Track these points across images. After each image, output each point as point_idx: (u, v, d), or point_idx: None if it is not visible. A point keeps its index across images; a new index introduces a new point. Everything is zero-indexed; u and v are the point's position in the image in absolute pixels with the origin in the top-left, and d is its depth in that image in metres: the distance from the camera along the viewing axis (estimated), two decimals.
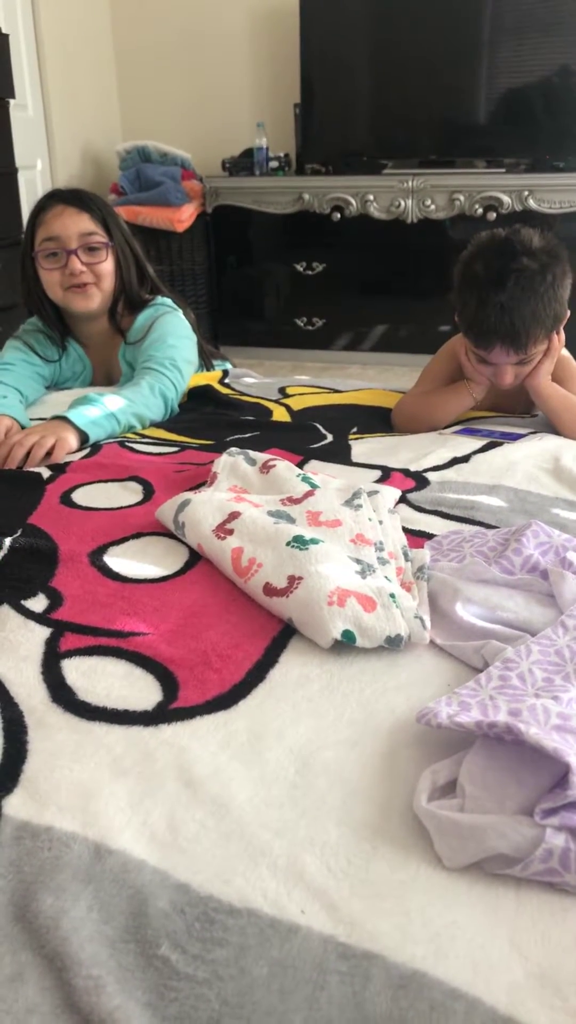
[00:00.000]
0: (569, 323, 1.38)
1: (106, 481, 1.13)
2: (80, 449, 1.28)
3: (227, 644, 0.76)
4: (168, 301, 1.64)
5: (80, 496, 1.08)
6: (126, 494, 1.09)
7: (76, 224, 1.53)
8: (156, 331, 1.57)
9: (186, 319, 1.63)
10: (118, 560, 0.91)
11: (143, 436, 1.38)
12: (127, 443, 1.32)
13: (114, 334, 1.64)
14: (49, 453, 1.22)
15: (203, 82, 3.83)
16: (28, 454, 1.21)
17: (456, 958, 0.49)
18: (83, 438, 1.28)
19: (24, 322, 1.68)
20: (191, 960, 0.49)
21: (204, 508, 0.93)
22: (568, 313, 1.35)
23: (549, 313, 1.31)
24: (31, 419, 1.40)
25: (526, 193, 3.25)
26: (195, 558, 0.92)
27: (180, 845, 0.56)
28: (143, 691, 0.71)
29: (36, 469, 1.18)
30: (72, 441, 1.26)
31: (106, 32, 3.83)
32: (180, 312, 1.63)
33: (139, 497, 1.08)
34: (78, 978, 0.48)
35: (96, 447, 1.28)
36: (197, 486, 1.08)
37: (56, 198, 1.56)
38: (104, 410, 1.34)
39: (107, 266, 1.57)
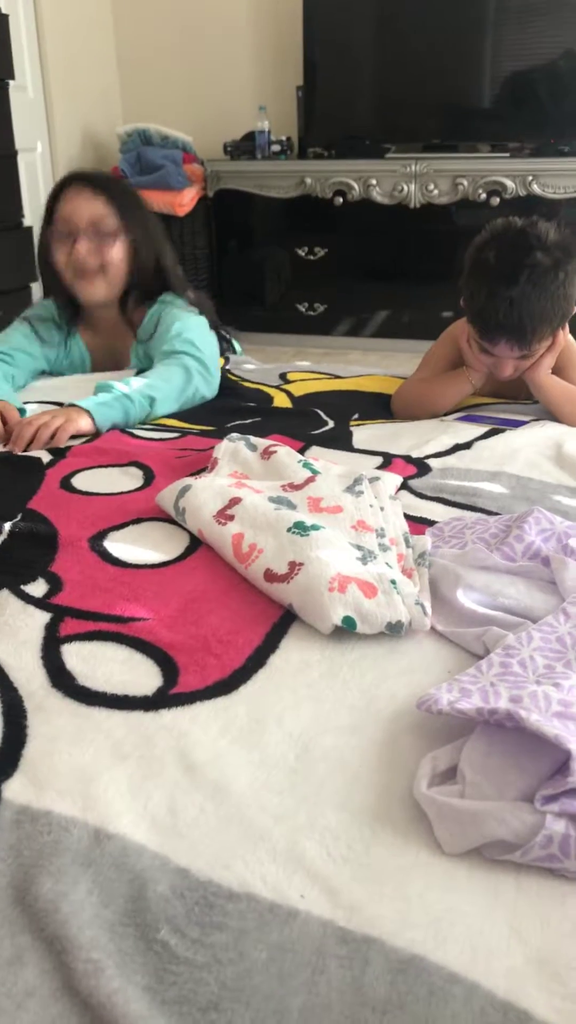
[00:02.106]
0: None
1: (106, 466, 1.13)
2: (95, 434, 1.27)
3: (227, 630, 0.76)
4: (177, 299, 1.59)
5: (80, 481, 1.08)
6: (126, 479, 1.09)
7: (89, 207, 1.50)
8: (173, 327, 1.51)
9: (202, 316, 1.58)
10: (118, 545, 0.91)
11: (143, 423, 1.37)
12: (127, 428, 1.32)
13: (124, 327, 1.60)
14: (53, 436, 1.21)
15: (204, 65, 3.80)
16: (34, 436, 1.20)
17: (455, 943, 0.49)
18: (94, 422, 1.27)
19: (36, 303, 1.66)
20: (190, 944, 0.49)
21: (205, 494, 0.93)
22: (575, 309, 1.34)
23: (558, 311, 1.29)
24: (28, 402, 1.40)
25: (530, 178, 3.22)
26: (196, 544, 0.91)
27: (180, 830, 0.56)
28: (143, 676, 0.71)
29: (36, 454, 1.18)
30: (80, 422, 1.25)
31: (107, 13, 3.79)
32: (195, 311, 1.58)
33: (139, 482, 1.07)
34: (77, 961, 0.48)
35: (95, 435, 1.28)
36: (198, 472, 1.08)
37: (73, 180, 1.53)
38: (115, 392, 1.33)
39: (115, 253, 1.52)
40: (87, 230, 1.50)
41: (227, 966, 0.48)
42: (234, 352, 1.81)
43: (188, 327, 1.52)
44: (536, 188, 3.23)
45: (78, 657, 0.73)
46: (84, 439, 1.25)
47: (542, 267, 1.26)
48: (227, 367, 1.69)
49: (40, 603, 0.80)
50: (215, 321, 1.63)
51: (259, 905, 0.51)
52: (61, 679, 0.70)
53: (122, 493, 1.04)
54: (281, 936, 0.50)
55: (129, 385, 1.35)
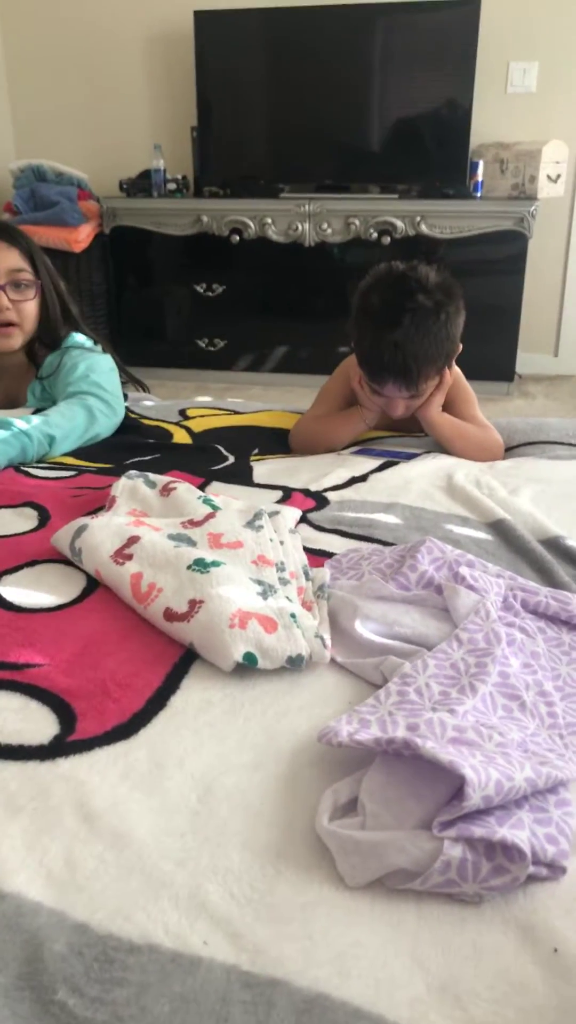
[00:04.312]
0: (467, 348, 1.42)
1: None
2: None
3: (126, 672, 0.75)
4: (82, 340, 1.59)
5: None
6: (20, 520, 1.06)
7: (5, 259, 1.48)
8: (78, 367, 1.51)
9: (107, 355, 1.59)
10: (12, 589, 0.88)
11: (40, 460, 1.34)
12: (22, 467, 1.29)
13: (28, 367, 1.59)
14: None
15: (99, 102, 3.81)
16: None
17: (359, 977, 0.49)
18: None
19: None
20: (89, 1003, 0.47)
21: (102, 533, 0.92)
22: (460, 348, 1.40)
23: (442, 352, 1.34)
24: None
25: (419, 218, 3.36)
26: (93, 585, 0.90)
27: (78, 883, 0.55)
28: (39, 724, 0.69)
29: None
30: None
31: None
32: (99, 349, 1.58)
33: (34, 523, 1.05)
34: None
35: None
36: (95, 511, 1.06)
37: None
38: (13, 429, 1.30)
39: (32, 305, 1.53)
40: (7, 283, 1.49)
41: (128, 1023, 0.47)
42: (146, 391, 1.81)
43: (93, 368, 1.52)
44: (424, 228, 3.37)
45: None
46: None
47: (424, 309, 1.30)
48: (126, 404, 1.67)
49: None
50: (119, 363, 1.63)
51: (161, 956, 0.50)
52: None
53: (16, 535, 1.01)
54: (184, 987, 0.49)
55: (28, 422, 1.33)
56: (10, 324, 1.51)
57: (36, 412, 1.43)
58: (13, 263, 1.49)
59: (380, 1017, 0.47)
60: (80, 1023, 0.47)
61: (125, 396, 1.65)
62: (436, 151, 3.46)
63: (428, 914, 0.54)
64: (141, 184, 3.61)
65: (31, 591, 0.88)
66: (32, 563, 0.94)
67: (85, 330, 1.62)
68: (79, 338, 1.59)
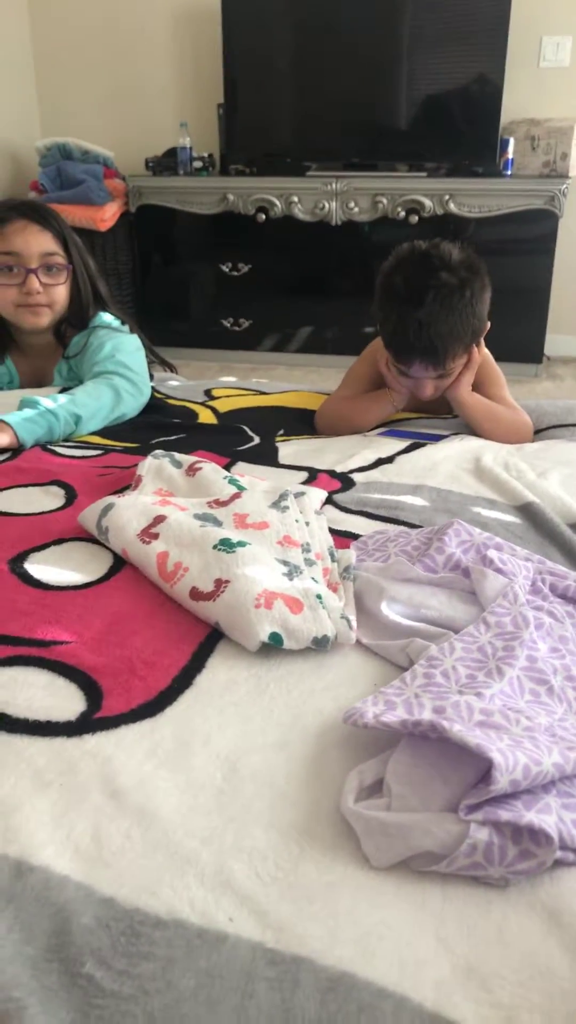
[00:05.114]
0: (494, 330, 1.40)
1: (26, 486, 1.10)
2: (17, 450, 1.25)
3: (152, 650, 0.75)
4: (109, 319, 1.59)
5: None
6: (48, 499, 1.06)
7: (39, 242, 1.48)
8: (104, 347, 1.51)
9: (134, 335, 1.59)
10: (39, 567, 0.89)
11: (67, 439, 1.35)
12: (49, 446, 1.29)
13: (56, 346, 1.60)
14: None
15: (125, 80, 3.79)
16: None
17: (384, 957, 0.49)
18: (17, 437, 1.25)
19: None
20: (116, 976, 0.48)
21: (128, 512, 0.92)
22: (488, 325, 1.38)
23: (468, 329, 1.32)
24: None
25: (447, 197, 3.31)
26: (119, 563, 0.90)
27: (104, 858, 0.55)
28: (66, 701, 0.69)
29: None
30: (2, 437, 1.23)
31: (24, 27, 3.74)
32: (126, 329, 1.59)
33: (61, 502, 1.05)
34: None
35: (17, 451, 1.25)
36: (121, 490, 1.06)
37: (18, 211, 1.49)
38: (40, 408, 1.31)
39: (63, 288, 1.53)
40: (40, 266, 1.49)
41: (154, 996, 0.47)
42: (173, 371, 1.82)
43: (120, 347, 1.52)
44: (453, 207, 3.32)
45: None
46: (5, 456, 1.22)
47: (448, 287, 1.29)
48: (152, 384, 1.67)
49: None
50: (146, 343, 1.63)
51: (187, 931, 0.51)
52: None
53: (43, 513, 1.02)
54: (209, 962, 0.49)
55: (55, 401, 1.34)
56: (40, 304, 1.51)
57: (63, 391, 1.44)
58: (46, 246, 1.49)
59: (404, 997, 0.47)
60: (107, 995, 0.47)
61: (151, 376, 1.65)
62: (466, 128, 3.40)
63: (453, 896, 0.54)
64: (167, 162, 3.58)
65: (58, 569, 0.89)
66: (59, 541, 0.95)
67: (113, 310, 1.62)
68: (106, 318, 1.58)
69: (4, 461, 1.20)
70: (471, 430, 1.41)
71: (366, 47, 3.37)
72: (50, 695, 0.70)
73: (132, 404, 1.47)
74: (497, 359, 1.49)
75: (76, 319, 1.58)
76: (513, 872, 0.54)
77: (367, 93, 3.46)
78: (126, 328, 1.59)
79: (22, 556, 0.91)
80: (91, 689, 0.70)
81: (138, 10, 3.66)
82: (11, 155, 3.71)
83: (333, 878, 0.55)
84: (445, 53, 3.33)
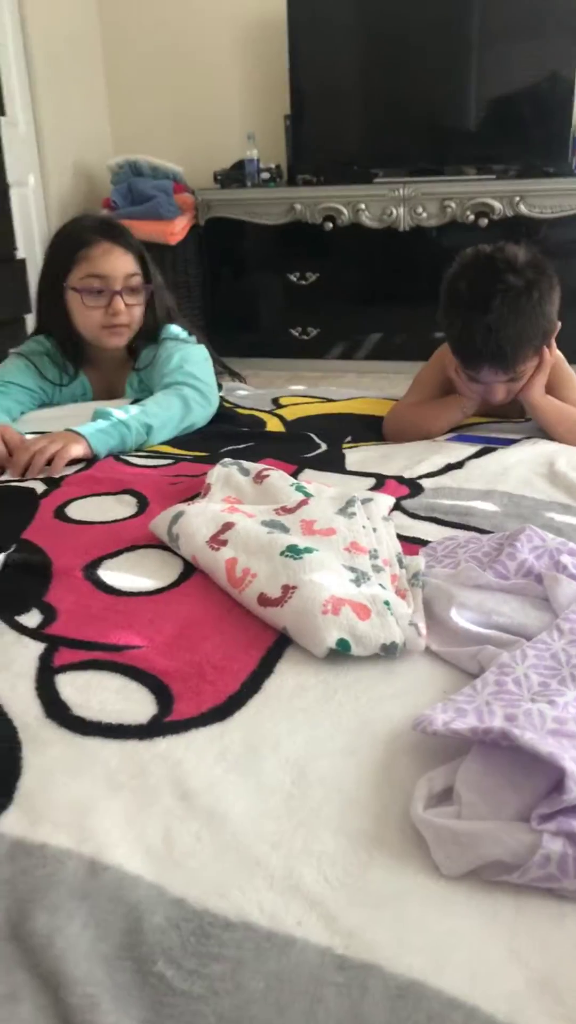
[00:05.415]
0: (568, 332, 1.37)
1: (100, 494, 1.13)
2: (91, 460, 1.28)
3: (222, 655, 0.76)
4: (177, 331, 1.62)
5: (74, 510, 1.08)
6: (120, 507, 1.09)
7: (123, 264, 1.52)
8: (172, 358, 1.54)
9: (201, 345, 1.62)
10: (112, 573, 0.91)
11: (139, 449, 1.38)
12: (121, 456, 1.32)
13: (126, 360, 1.64)
14: (50, 462, 1.22)
15: (192, 95, 3.86)
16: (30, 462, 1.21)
17: (454, 967, 0.49)
18: (91, 448, 1.28)
19: (30, 337, 1.67)
20: (187, 976, 0.49)
21: (198, 520, 0.93)
22: (558, 325, 1.35)
23: (537, 331, 1.30)
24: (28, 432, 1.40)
25: (517, 199, 3.26)
26: (190, 570, 0.91)
27: (175, 859, 0.56)
28: (138, 704, 0.70)
29: (30, 484, 1.18)
30: (76, 447, 1.26)
31: (96, 47, 3.86)
32: (193, 340, 1.62)
33: (133, 510, 1.08)
34: (73, 996, 0.47)
35: (91, 461, 1.28)
36: (191, 498, 1.08)
37: (101, 233, 1.53)
38: (112, 419, 1.34)
39: (141, 308, 1.57)
40: (124, 288, 1.53)
41: (224, 997, 0.47)
42: (242, 381, 1.84)
43: (188, 358, 1.55)
44: (523, 208, 3.26)
45: (72, 687, 0.73)
46: (80, 465, 1.26)
47: (515, 289, 1.27)
48: (220, 394, 1.70)
49: (34, 633, 0.80)
50: (213, 353, 1.65)
51: (256, 934, 0.51)
52: (55, 709, 0.70)
53: (116, 521, 1.04)
54: (279, 965, 0.49)
55: (127, 412, 1.37)
56: (122, 325, 1.55)
57: (134, 403, 1.47)
58: (129, 268, 1.53)
59: (475, 1008, 0.47)
60: (177, 995, 0.48)
61: (219, 386, 1.67)
62: (535, 127, 3.34)
63: (526, 907, 0.52)
64: (235, 175, 3.63)
65: (131, 575, 0.91)
66: (132, 548, 0.97)
67: (180, 321, 1.65)
68: (174, 329, 1.61)
69: (79, 471, 1.23)
70: (544, 434, 1.38)
71: (434, 49, 3.36)
72: (123, 699, 0.71)
73: (201, 414, 1.49)
74: (570, 361, 1.46)
75: (148, 334, 1.61)
76: None
77: (433, 97, 3.44)
78: (193, 339, 1.62)
79: (96, 563, 0.93)
80: (162, 693, 0.72)
81: (205, 25, 3.72)
82: (86, 175, 3.82)
83: (402, 886, 0.54)
84: (514, 51, 3.29)
